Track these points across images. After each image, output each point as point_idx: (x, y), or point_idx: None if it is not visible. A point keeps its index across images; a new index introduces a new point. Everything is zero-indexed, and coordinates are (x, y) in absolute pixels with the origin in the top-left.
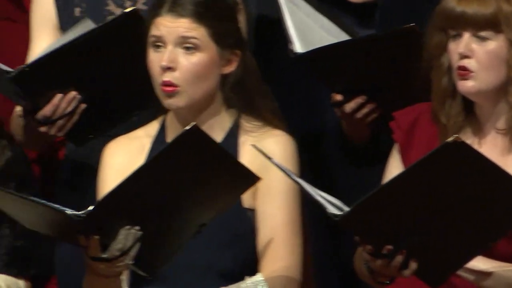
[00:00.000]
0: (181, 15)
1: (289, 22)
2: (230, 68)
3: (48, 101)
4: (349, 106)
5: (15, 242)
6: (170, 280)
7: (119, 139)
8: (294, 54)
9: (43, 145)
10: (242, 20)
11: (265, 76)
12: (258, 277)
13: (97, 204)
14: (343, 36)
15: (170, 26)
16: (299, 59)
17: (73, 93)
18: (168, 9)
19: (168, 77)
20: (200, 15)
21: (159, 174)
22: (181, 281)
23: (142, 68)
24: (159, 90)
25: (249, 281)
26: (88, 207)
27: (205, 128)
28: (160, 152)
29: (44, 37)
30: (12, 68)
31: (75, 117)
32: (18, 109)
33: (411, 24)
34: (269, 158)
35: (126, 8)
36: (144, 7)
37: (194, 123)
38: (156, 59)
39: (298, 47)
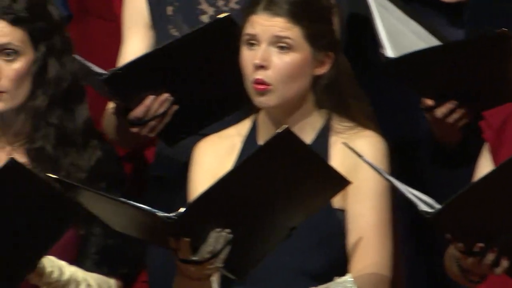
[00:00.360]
0: (276, 14)
1: (380, 27)
2: (322, 70)
3: (140, 102)
4: (440, 111)
5: (106, 241)
6: (260, 282)
7: (210, 137)
8: (385, 58)
9: (135, 144)
10: (336, 22)
11: (357, 78)
12: (347, 277)
13: (189, 206)
14: (433, 40)
15: (265, 24)
16: (390, 64)
17: (165, 95)
18: (264, 7)
19: (260, 75)
20: (296, 15)
21: (250, 177)
22: (271, 283)
23: (234, 69)
24: (250, 88)
25: (338, 281)
26: (179, 207)
27: (296, 128)
28: (252, 155)
29: (136, 36)
30: (105, 68)
31: (167, 118)
32: (111, 106)
33: (502, 29)
34: (360, 156)
35: (218, 7)
36: (236, 6)
37: (286, 126)
38: (249, 57)
39: (390, 52)
